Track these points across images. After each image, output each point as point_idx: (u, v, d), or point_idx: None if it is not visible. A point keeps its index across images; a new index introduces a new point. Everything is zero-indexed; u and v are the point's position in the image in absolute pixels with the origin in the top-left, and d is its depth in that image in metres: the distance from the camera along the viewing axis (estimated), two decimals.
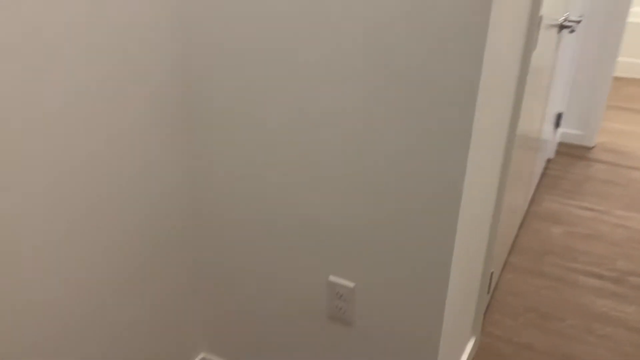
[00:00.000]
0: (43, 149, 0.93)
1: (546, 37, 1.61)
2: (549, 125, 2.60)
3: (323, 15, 0.97)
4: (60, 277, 1.03)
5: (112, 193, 1.08)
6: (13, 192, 0.90)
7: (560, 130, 3.23)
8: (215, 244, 1.34)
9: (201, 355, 1.52)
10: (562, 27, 1.91)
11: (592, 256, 2.19)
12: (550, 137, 2.87)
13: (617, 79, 4.51)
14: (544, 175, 2.93)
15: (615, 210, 2.55)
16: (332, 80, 1.01)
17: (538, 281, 2.03)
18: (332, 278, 1.20)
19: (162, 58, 1.11)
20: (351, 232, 1.13)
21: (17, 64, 0.86)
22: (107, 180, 1.07)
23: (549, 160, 3.09)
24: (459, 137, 0.94)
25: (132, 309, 1.22)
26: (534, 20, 1.24)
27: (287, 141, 1.11)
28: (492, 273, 1.59)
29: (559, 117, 2.99)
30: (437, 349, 1.13)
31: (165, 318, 1.34)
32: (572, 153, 3.17)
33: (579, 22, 2.04)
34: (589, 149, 3.22)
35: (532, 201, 2.65)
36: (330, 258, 1.18)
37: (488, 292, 1.64)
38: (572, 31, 1.95)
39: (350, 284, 1.18)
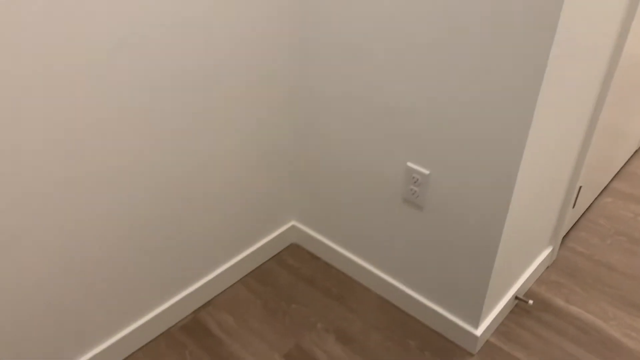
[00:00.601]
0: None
1: None
2: None
3: None
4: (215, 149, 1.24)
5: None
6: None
7: None
8: (312, 128, 1.48)
9: (292, 223, 1.73)
10: None
11: None
12: None
13: None
14: None
15: None
16: None
17: (638, 209, 1.96)
18: (410, 164, 1.29)
19: None
20: (431, 123, 1.20)
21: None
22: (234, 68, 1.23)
23: None
24: (540, 39, 0.95)
25: (246, 180, 1.43)
26: None
27: (379, 36, 1.18)
28: (579, 188, 1.58)
29: None
30: (499, 239, 1.21)
31: (268, 190, 1.54)
32: None
33: None
34: None
35: None
36: (410, 146, 1.27)
37: (573, 207, 1.64)
38: None
39: (426, 171, 1.27)
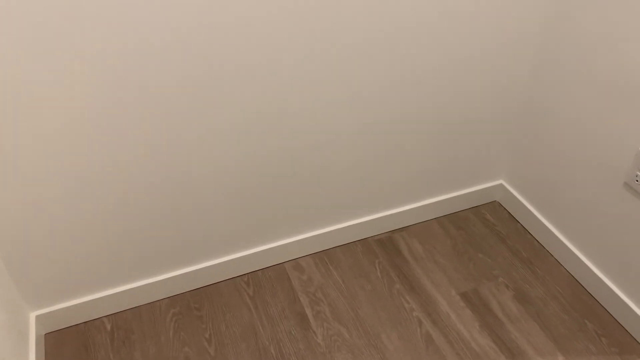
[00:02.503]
0: None
1: None
2: None
3: None
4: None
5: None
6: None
7: None
8: (547, 94, 1.49)
9: (499, 181, 1.78)
10: None
11: None
12: None
13: None
14: None
15: None
16: None
17: None
18: None
19: None
20: None
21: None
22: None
23: None
24: None
25: (469, 131, 1.53)
26: None
27: None
28: None
29: None
30: None
31: (486, 145, 1.62)
32: None
33: None
34: None
35: None
36: None
37: None
38: None
39: None
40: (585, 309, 1.47)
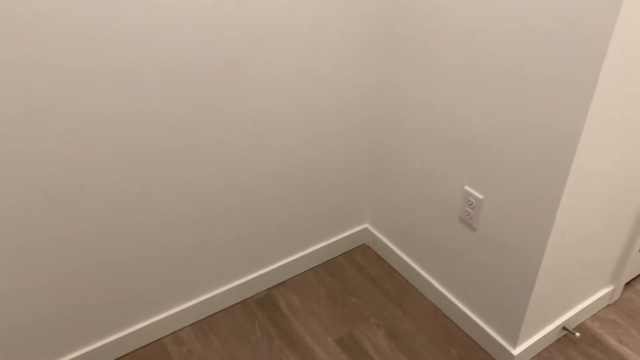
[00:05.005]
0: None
1: None
2: None
3: None
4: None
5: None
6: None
7: None
8: (390, 148, 1.65)
9: (365, 226, 1.91)
10: None
11: None
12: None
13: None
14: None
15: None
16: None
17: None
18: (467, 187, 1.42)
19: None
20: (487, 151, 1.32)
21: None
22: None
23: None
24: (579, 91, 1.04)
25: (330, 184, 1.64)
26: None
27: (458, 74, 1.33)
28: None
29: None
30: (539, 266, 1.30)
31: (349, 195, 1.74)
32: None
33: None
34: None
35: None
36: (468, 170, 1.40)
37: None
38: None
39: (480, 196, 1.39)
40: (449, 336, 1.60)
